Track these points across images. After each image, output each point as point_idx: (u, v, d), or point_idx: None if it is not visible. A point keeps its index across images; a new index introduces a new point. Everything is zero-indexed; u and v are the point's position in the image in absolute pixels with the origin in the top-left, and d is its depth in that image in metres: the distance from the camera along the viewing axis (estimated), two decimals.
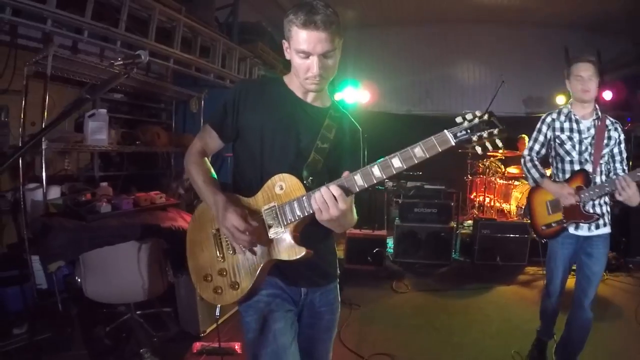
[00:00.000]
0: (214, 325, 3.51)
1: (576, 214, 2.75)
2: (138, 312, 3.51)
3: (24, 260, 3.64)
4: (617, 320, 4.07)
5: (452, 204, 5.83)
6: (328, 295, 1.79)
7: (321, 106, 1.71)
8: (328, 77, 1.60)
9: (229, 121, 1.66)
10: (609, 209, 2.83)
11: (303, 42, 1.48)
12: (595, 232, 2.79)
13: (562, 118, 2.87)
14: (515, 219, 6.15)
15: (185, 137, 5.26)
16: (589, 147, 2.78)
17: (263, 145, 1.63)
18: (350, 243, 5.42)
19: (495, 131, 1.31)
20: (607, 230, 2.81)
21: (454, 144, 1.32)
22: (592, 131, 2.78)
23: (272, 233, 1.54)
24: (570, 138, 2.83)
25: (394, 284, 4.95)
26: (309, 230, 1.57)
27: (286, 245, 1.53)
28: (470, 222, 6.48)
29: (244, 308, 1.68)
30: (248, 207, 1.58)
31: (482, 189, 6.87)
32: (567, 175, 2.83)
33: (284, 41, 1.59)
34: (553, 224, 2.84)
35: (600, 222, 2.77)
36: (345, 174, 1.45)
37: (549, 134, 2.92)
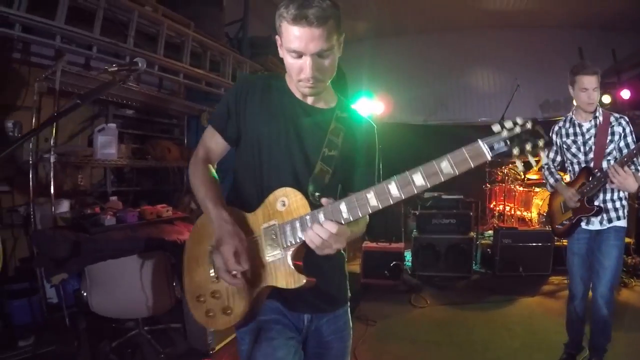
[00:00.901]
0: (224, 343, 3.42)
1: (582, 208, 2.91)
2: (146, 328, 3.43)
3: (34, 273, 3.65)
4: None
5: (471, 213, 5.64)
6: (337, 322, 1.61)
7: (325, 107, 1.53)
8: (325, 79, 1.42)
9: (233, 122, 1.51)
10: (624, 204, 2.90)
11: (294, 39, 1.31)
12: (607, 226, 2.88)
13: (567, 125, 3.04)
14: (537, 226, 5.93)
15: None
16: (593, 147, 2.90)
17: (260, 153, 1.47)
18: (367, 257, 5.26)
19: (541, 142, 1.08)
20: (620, 223, 2.87)
21: (489, 158, 1.09)
22: (593, 131, 2.91)
23: (269, 256, 1.37)
24: (574, 142, 2.99)
25: (413, 298, 4.78)
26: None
27: (284, 271, 1.35)
28: (490, 232, 6.27)
29: (240, 335, 1.53)
30: (246, 224, 1.43)
31: (502, 198, 6.65)
32: None
33: (277, 37, 1.42)
34: (565, 222, 3.05)
35: (613, 215, 2.86)
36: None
37: (558, 141, 3.09)
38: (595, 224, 2.90)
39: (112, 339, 3.35)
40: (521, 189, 6.60)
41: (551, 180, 3.16)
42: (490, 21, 7.80)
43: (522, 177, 6.67)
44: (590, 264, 2.96)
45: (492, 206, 7.05)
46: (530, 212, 6.34)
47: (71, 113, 4.61)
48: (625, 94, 6.67)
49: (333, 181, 1.47)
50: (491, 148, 1.08)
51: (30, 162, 3.81)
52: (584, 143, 2.93)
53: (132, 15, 4.14)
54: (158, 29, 4.50)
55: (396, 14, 7.68)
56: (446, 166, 1.12)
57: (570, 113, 3.07)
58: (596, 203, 2.87)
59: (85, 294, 3.07)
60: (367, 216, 1.45)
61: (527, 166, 1.15)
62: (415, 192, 1.17)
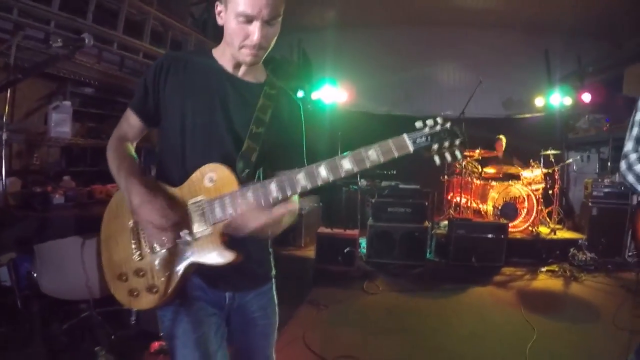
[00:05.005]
0: None
1: None
2: (98, 310, 3.40)
3: None
4: (595, 322, 3.99)
5: (427, 203, 5.77)
6: (261, 299, 1.59)
7: (254, 82, 1.49)
8: (266, 49, 1.40)
9: (150, 101, 1.45)
10: None
11: (248, 3, 1.27)
12: None
13: None
14: (492, 219, 6.13)
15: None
16: None
17: (184, 130, 1.42)
18: (321, 242, 5.29)
19: (457, 141, 1.20)
20: None
21: (411, 150, 1.20)
22: None
23: (197, 232, 1.34)
24: None
25: (365, 284, 4.85)
26: None
27: (212, 247, 1.33)
28: (446, 222, 6.45)
29: (162, 312, 1.47)
30: (172, 197, 1.38)
31: (459, 190, 6.81)
32: None
33: (217, 3, 1.36)
34: None
35: None
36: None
37: None
38: None
39: (64, 321, 3.31)
40: (478, 182, 6.79)
41: None
42: (459, 18, 7.91)
43: (480, 170, 6.86)
44: None
45: (449, 197, 7.20)
46: (486, 205, 6.53)
47: (27, 89, 4.48)
48: (586, 97, 7.02)
49: (260, 159, 1.45)
50: (414, 141, 1.20)
51: None
52: None
53: None
54: (119, 5, 4.40)
55: (363, 5, 7.71)
56: (372, 154, 1.22)
57: None
58: None
59: (35, 274, 3.03)
60: (297, 207, 1.48)
61: (442, 159, 1.23)
62: (343, 175, 1.24)
